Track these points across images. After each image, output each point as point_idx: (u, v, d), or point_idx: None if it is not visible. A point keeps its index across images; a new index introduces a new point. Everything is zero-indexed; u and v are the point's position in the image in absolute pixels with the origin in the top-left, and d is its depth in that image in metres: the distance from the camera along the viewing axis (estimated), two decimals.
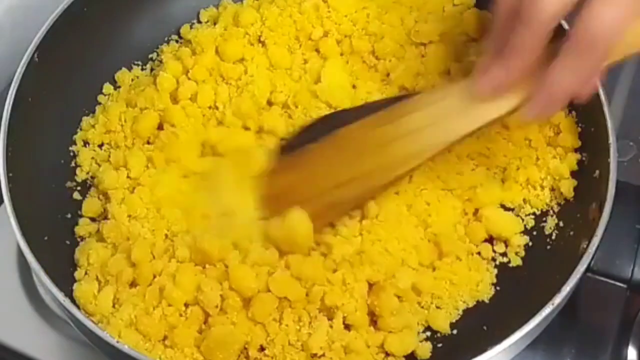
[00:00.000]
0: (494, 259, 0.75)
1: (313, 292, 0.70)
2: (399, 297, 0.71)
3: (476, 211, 0.76)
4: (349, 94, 0.81)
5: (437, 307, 0.72)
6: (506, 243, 0.75)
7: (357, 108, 0.76)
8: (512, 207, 0.77)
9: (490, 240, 0.75)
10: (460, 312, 0.72)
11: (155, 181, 0.77)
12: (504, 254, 0.75)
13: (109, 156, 0.80)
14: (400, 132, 0.65)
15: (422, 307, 0.72)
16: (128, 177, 0.77)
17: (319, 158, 0.70)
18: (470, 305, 0.73)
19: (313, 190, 0.69)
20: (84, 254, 0.74)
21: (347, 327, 0.70)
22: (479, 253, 0.74)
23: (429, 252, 0.73)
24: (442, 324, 0.71)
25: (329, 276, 0.70)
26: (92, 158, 0.81)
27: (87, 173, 0.81)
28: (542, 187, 0.76)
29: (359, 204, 0.72)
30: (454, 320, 0.72)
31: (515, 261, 0.74)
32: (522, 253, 0.75)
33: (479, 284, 0.73)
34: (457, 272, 0.72)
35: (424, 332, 0.71)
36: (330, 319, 0.70)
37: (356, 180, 0.68)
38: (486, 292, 0.73)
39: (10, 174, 0.72)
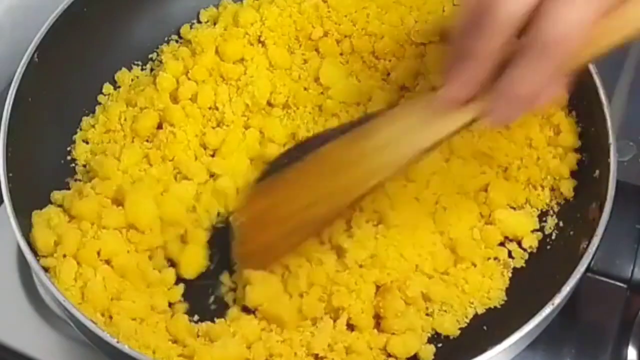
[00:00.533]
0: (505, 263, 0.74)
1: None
2: (405, 301, 0.70)
3: (491, 214, 0.75)
4: (351, 91, 0.81)
5: (446, 312, 0.71)
6: (519, 244, 0.74)
7: (326, 132, 0.77)
8: (515, 206, 0.76)
9: (502, 243, 0.75)
10: (469, 319, 0.72)
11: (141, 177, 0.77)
12: (510, 256, 0.74)
13: (105, 150, 0.80)
14: (367, 150, 0.66)
15: (430, 314, 0.71)
16: (118, 169, 0.77)
17: (292, 181, 0.71)
18: (480, 312, 0.72)
19: (285, 212, 0.70)
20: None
21: (350, 327, 0.70)
22: (495, 258, 0.74)
23: (445, 258, 0.72)
24: (451, 329, 0.71)
25: (337, 277, 0.70)
26: (86, 152, 0.81)
27: (84, 166, 0.81)
28: (542, 187, 0.76)
29: (326, 224, 0.72)
30: (463, 326, 0.71)
31: (519, 262, 0.74)
32: (525, 253, 0.75)
33: (490, 291, 0.72)
34: (469, 280, 0.72)
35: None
36: (335, 319, 0.70)
37: (325, 199, 0.68)
38: (498, 298, 0.72)
39: (10, 174, 0.72)
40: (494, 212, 0.74)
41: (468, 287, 0.72)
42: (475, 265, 0.73)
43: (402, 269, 0.71)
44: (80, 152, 0.81)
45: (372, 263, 0.71)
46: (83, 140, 0.82)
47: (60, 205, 0.76)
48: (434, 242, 0.73)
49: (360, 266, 0.71)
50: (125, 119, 0.82)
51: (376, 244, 0.72)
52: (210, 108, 0.81)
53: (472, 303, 0.72)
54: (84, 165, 0.81)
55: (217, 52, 0.83)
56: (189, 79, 0.82)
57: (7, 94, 0.75)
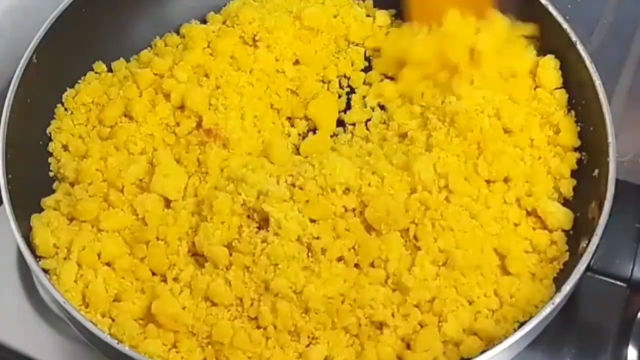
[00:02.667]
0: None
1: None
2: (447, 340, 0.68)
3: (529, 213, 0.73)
4: None
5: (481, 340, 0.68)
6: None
7: None
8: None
9: None
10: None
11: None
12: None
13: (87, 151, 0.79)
14: None
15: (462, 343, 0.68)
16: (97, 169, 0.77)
17: None
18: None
19: None
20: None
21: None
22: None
23: (507, 287, 0.69)
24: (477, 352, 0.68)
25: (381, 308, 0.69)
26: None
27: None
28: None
29: None
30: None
31: None
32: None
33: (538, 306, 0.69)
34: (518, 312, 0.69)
35: None
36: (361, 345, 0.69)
37: None
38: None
39: (10, 176, 0.72)
40: (537, 205, 0.72)
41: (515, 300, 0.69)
42: (527, 286, 0.70)
43: (462, 313, 0.68)
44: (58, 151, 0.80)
45: (430, 307, 0.68)
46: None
47: (54, 209, 0.76)
48: (497, 275, 0.70)
49: (416, 306, 0.69)
50: (90, 110, 0.81)
51: (439, 284, 0.69)
52: (180, 107, 0.80)
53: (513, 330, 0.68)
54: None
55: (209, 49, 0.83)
56: (173, 75, 0.80)
57: (7, 94, 0.75)
